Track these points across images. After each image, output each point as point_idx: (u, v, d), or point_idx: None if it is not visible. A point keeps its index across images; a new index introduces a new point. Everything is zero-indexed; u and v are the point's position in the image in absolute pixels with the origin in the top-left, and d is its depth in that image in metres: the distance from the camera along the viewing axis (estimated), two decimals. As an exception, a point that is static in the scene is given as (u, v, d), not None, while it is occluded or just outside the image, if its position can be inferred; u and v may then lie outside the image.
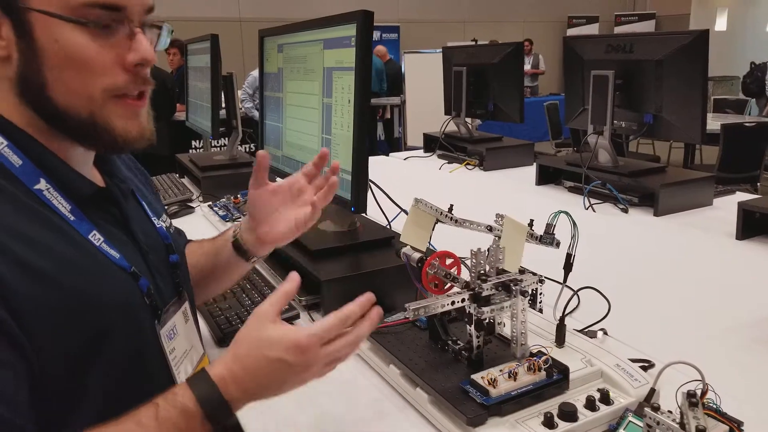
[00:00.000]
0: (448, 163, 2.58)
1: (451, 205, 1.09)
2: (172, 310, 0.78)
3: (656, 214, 1.80)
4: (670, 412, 0.72)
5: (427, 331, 0.93)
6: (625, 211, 1.86)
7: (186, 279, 0.86)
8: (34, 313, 0.58)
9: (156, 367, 0.74)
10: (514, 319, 0.81)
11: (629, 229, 1.73)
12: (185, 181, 2.35)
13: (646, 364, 0.90)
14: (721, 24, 11.12)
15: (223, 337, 1.03)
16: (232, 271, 0.96)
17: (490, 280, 0.80)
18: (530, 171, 2.44)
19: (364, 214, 1.28)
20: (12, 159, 0.64)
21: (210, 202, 1.91)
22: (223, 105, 2.33)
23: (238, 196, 1.87)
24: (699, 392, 0.75)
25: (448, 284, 0.86)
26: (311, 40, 1.15)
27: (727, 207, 1.88)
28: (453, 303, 0.79)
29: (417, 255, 0.91)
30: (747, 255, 1.48)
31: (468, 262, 0.93)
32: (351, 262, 1.14)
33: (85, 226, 0.67)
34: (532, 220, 0.98)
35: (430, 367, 0.84)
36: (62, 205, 0.66)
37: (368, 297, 0.67)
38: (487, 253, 0.86)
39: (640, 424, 0.73)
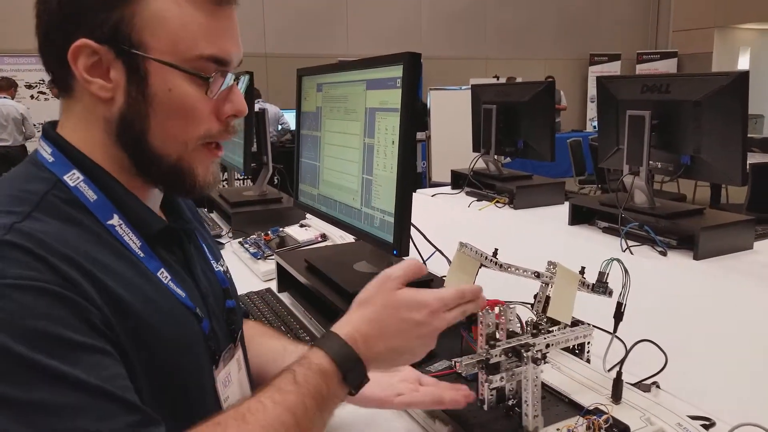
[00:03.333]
0: (477, 200, 2.56)
1: (496, 249, 1.06)
2: (227, 357, 0.77)
3: (696, 258, 1.74)
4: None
5: (473, 383, 0.89)
6: (664, 254, 1.81)
7: (240, 327, 0.84)
8: (121, 334, 0.59)
9: (211, 412, 0.71)
10: (525, 389, 0.76)
11: (671, 274, 1.68)
12: (214, 216, 2.35)
13: (707, 423, 0.85)
14: (743, 62, 11.11)
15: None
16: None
17: (498, 345, 0.76)
18: (561, 210, 2.41)
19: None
20: (87, 194, 0.66)
21: (240, 239, 1.90)
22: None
23: (269, 233, 1.86)
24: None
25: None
26: (353, 80, 1.15)
27: (767, 251, 1.82)
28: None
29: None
30: (797, 303, 1.42)
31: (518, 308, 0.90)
32: (390, 305, 1.10)
33: (153, 263, 0.68)
34: (583, 267, 0.95)
35: (477, 423, 0.80)
36: (133, 242, 0.67)
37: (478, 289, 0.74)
38: (507, 310, 0.82)
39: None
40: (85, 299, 0.56)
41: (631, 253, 1.83)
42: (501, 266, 1.04)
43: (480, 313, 0.79)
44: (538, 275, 1.00)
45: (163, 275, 0.68)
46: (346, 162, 1.19)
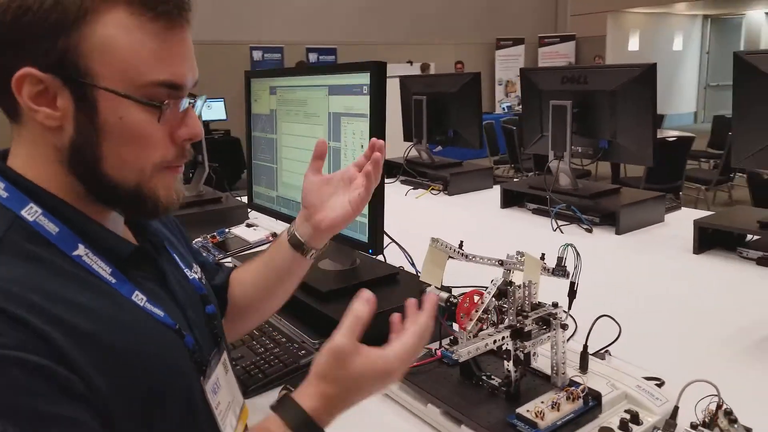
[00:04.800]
0: (413, 189, 2.64)
1: (461, 242, 1.14)
2: (213, 363, 0.78)
3: (618, 233, 1.93)
4: (694, 427, 0.79)
5: (455, 368, 0.96)
6: (590, 231, 1.98)
7: (221, 328, 0.85)
8: (94, 377, 0.57)
9: (205, 423, 0.73)
10: (554, 350, 0.86)
11: (600, 249, 1.84)
12: (149, 218, 2.28)
13: (658, 382, 0.97)
14: (633, 44, 11.98)
15: (245, 391, 1.01)
16: (292, 272, 0.96)
17: (530, 316, 0.85)
18: (491, 193, 2.56)
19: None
20: (48, 227, 0.63)
21: (185, 242, 1.86)
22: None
23: (215, 234, 1.84)
24: (714, 407, 0.83)
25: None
26: (313, 85, 1.18)
27: (676, 223, 2.04)
28: (495, 341, 0.83)
29: (444, 294, 0.95)
30: (707, 268, 1.61)
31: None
32: (363, 300, 1.15)
33: (126, 287, 0.67)
34: (543, 254, 1.04)
35: (469, 403, 0.87)
36: (102, 269, 0.65)
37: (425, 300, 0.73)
38: (521, 289, 0.91)
39: (671, 441, 0.80)
40: (52, 359, 0.55)
41: (562, 232, 1.99)
42: (467, 257, 1.12)
43: (509, 289, 0.87)
44: (501, 263, 1.09)
45: (138, 298, 0.67)
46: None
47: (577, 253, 1.03)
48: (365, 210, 1.08)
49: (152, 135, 0.65)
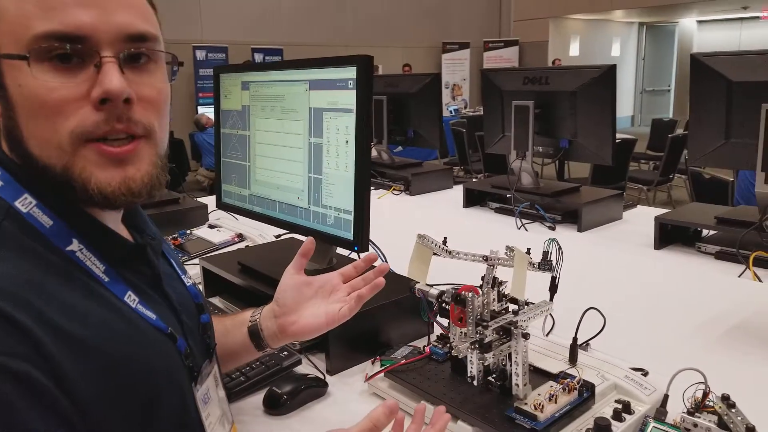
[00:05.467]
0: (375, 189, 2.63)
1: (445, 238, 1.13)
2: (205, 373, 0.75)
3: (580, 230, 1.98)
4: (690, 414, 0.81)
5: (444, 364, 0.95)
6: (553, 228, 2.02)
7: (215, 342, 0.82)
8: (82, 384, 0.54)
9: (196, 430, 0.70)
10: (516, 363, 0.84)
11: (564, 246, 1.86)
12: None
13: (643, 372, 0.99)
14: (574, 49, 12.42)
15: (228, 394, 0.98)
16: (238, 356, 0.92)
17: (490, 326, 0.82)
18: (452, 193, 2.59)
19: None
20: (42, 219, 0.60)
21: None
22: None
23: (177, 237, 1.77)
24: (701, 395, 0.85)
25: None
26: (292, 79, 1.14)
27: (633, 219, 2.12)
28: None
29: (434, 291, 0.94)
30: (669, 263, 1.67)
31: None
32: (345, 300, 1.13)
33: (120, 287, 0.63)
34: (529, 249, 1.05)
35: (464, 399, 0.86)
36: (96, 266, 0.62)
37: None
38: (487, 294, 0.89)
39: (663, 428, 0.81)
40: (41, 369, 0.51)
41: (526, 230, 2.02)
42: (450, 253, 1.12)
43: (468, 298, 0.85)
44: (486, 259, 1.09)
45: (131, 299, 0.64)
46: (287, 162, 1.18)
47: (560, 248, 1.04)
48: (350, 206, 1.06)
49: (53, 99, 0.58)
